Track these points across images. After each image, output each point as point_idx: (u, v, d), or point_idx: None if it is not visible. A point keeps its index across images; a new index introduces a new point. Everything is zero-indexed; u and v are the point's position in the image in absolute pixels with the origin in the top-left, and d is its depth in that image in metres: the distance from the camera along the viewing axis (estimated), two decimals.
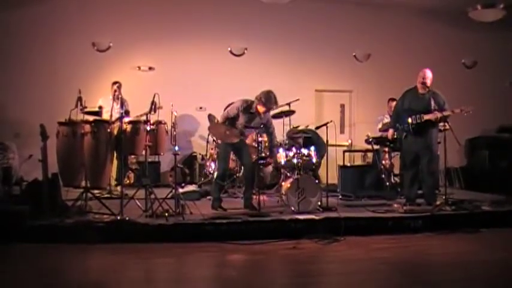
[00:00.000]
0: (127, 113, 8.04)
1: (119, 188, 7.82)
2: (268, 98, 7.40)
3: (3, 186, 7.80)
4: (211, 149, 10.06)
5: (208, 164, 9.94)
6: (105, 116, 7.80)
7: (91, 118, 7.19)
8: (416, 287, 4.92)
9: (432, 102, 7.66)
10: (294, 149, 8.13)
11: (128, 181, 9.45)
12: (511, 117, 11.73)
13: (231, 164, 9.68)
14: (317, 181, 7.67)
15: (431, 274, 5.24)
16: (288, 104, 9.35)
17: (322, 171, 9.34)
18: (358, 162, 10.85)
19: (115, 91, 8.71)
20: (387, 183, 8.87)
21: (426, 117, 7.68)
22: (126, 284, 5.06)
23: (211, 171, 9.67)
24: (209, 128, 8.16)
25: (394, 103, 8.88)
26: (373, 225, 7.02)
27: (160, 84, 9.30)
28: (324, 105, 12.17)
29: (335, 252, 6.07)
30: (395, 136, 8.21)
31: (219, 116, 10.10)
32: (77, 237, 6.13)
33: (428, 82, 7.78)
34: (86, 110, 7.15)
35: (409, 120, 7.77)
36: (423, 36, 12.14)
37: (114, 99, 8.72)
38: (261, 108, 7.45)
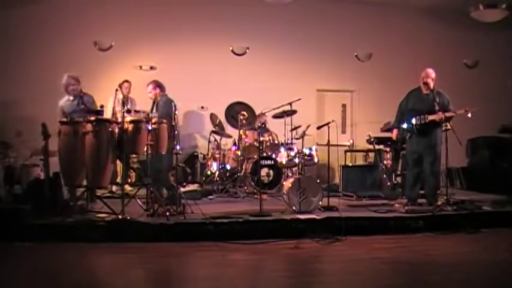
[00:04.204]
0: (129, 111, 8.03)
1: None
2: None
3: (4, 184, 7.81)
4: (213, 148, 10.08)
5: (209, 163, 9.95)
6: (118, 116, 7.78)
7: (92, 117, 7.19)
8: (417, 287, 4.93)
9: (436, 103, 7.66)
10: (295, 149, 8.17)
11: (129, 180, 9.46)
12: None
13: (233, 164, 9.72)
14: (318, 180, 7.66)
15: (432, 274, 5.23)
16: (290, 104, 9.35)
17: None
18: (360, 162, 10.86)
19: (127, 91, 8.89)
20: (389, 183, 8.87)
21: (430, 117, 7.66)
22: (127, 284, 5.06)
23: (213, 171, 9.69)
24: None
25: None
26: (374, 225, 7.02)
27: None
28: (325, 105, 12.17)
29: (336, 252, 6.07)
30: (400, 136, 8.20)
31: (221, 116, 10.17)
32: (78, 236, 6.14)
33: (430, 82, 7.78)
34: (87, 108, 7.15)
35: (413, 120, 7.76)
36: (425, 36, 12.13)
37: (126, 99, 8.89)
38: None
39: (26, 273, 5.13)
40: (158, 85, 8.26)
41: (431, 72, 7.82)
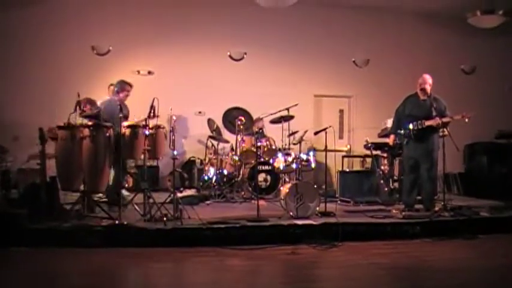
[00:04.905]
0: (126, 117, 8.03)
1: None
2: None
3: (1, 189, 7.78)
4: (210, 153, 10.07)
5: (207, 168, 9.94)
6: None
7: (90, 122, 7.18)
8: None
9: (433, 108, 7.67)
10: (293, 154, 8.18)
11: (126, 185, 9.44)
12: (509, 123, 11.75)
13: (230, 169, 9.71)
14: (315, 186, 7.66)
15: (430, 280, 5.22)
16: (287, 109, 9.37)
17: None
18: (357, 167, 10.87)
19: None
20: (386, 189, 8.86)
21: (427, 123, 7.67)
22: None
23: (210, 176, 9.68)
24: None
25: None
26: (371, 230, 7.00)
27: (159, 89, 9.27)
28: (322, 111, 12.19)
29: (333, 257, 6.06)
30: (396, 142, 8.20)
31: (218, 121, 10.18)
32: (74, 241, 6.12)
33: (428, 88, 7.79)
34: (84, 113, 7.14)
35: (410, 126, 7.77)
36: (422, 41, 12.17)
37: None
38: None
39: (23, 278, 5.11)
40: (89, 102, 8.13)
41: (429, 78, 7.84)
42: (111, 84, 9.21)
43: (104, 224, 6.50)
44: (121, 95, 7.98)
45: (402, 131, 7.92)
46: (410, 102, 7.99)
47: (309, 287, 5.06)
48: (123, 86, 8.00)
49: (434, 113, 7.65)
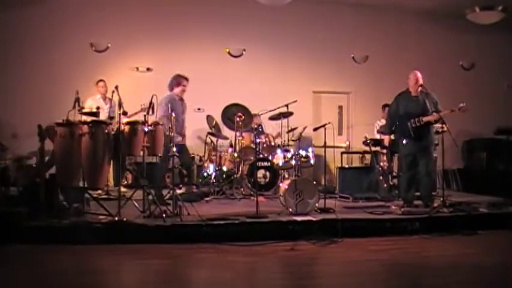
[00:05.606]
0: (125, 113, 8.03)
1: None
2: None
3: (0, 186, 7.77)
4: (209, 150, 10.07)
5: (206, 165, 9.93)
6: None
7: (89, 119, 7.18)
8: None
9: (427, 103, 7.66)
10: (292, 150, 8.17)
11: (125, 182, 9.44)
12: (508, 119, 11.75)
13: (229, 165, 9.71)
14: (315, 182, 7.66)
15: (429, 276, 5.23)
16: (286, 106, 9.36)
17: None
18: (356, 163, 10.88)
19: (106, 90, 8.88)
20: (385, 185, 8.87)
21: (425, 119, 7.66)
22: (124, 286, 5.06)
23: (210, 173, 9.68)
24: None
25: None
26: (370, 226, 7.01)
27: (158, 85, 9.27)
28: (321, 107, 12.18)
29: (333, 253, 6.07)
30: (392, 139, 8.19)
31: (217, 118, 10.17)
32: (74, 238, 6.13)
33: (422, 83, 7.79)
34: (83, 110, 7.14)
35: (408, 124, 7.75)
36: (421, 38, 12.17)
37: (105, 99, 8.90)
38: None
39: (21, 275, 5.11)
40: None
41: (420, 74, 7.84)
42: (100, 80, 9.24)
43: (104, 220, 6.50)
44: (177, 90, 7.94)
45: (399, 130, 7.89)
46: (404, 99, 7.93)
47: (309, 283, 5.07)
48: (179, 80, 7.96)
49: (431, 108, 7.64)
